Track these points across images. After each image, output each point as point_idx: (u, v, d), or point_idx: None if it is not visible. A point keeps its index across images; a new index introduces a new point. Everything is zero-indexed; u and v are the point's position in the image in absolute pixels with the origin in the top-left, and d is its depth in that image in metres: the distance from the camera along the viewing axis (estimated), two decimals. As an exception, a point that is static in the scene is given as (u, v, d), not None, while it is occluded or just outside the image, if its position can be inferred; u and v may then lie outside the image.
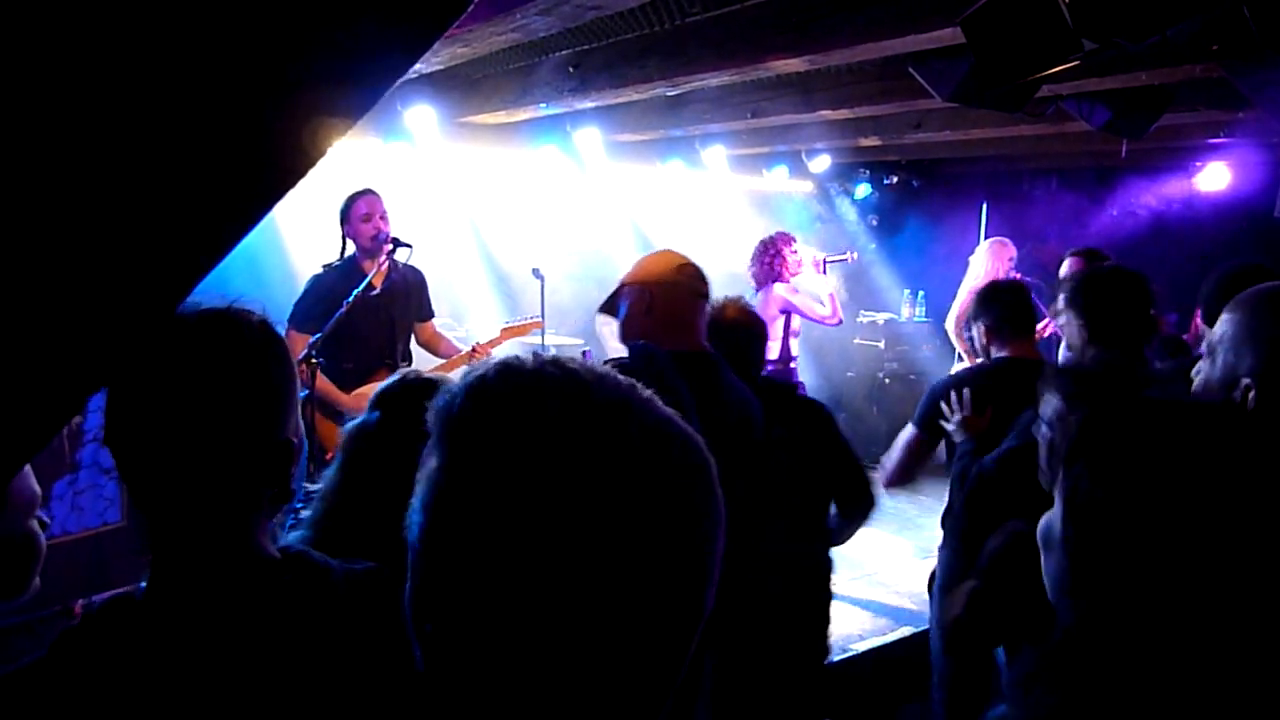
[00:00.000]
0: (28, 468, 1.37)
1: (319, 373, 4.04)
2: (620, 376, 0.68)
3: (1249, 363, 1.35)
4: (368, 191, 4.32)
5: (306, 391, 4.19)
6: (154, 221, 0.68)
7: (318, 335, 3.93)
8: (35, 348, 0.68)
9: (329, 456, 4.27)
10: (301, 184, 0.86)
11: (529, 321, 4.77)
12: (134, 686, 0.97)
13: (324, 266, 4.34)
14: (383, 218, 4.27)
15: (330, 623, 1.06)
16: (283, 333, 1.18)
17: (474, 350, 4.48)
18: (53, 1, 0.58)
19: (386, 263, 4.26)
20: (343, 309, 3.97)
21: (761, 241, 5.89)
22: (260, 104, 0.68)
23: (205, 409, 1.03)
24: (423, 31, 0.74)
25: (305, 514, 1.62)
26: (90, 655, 0.99)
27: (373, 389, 4.14)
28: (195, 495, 1.04)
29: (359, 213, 4.24)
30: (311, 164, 0.74)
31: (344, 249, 4.35)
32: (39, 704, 0.96)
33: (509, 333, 4.65)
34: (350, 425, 1.71)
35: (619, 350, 8.55)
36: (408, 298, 4.46)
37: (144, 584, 1.06)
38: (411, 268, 4.49)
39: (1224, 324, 1.41)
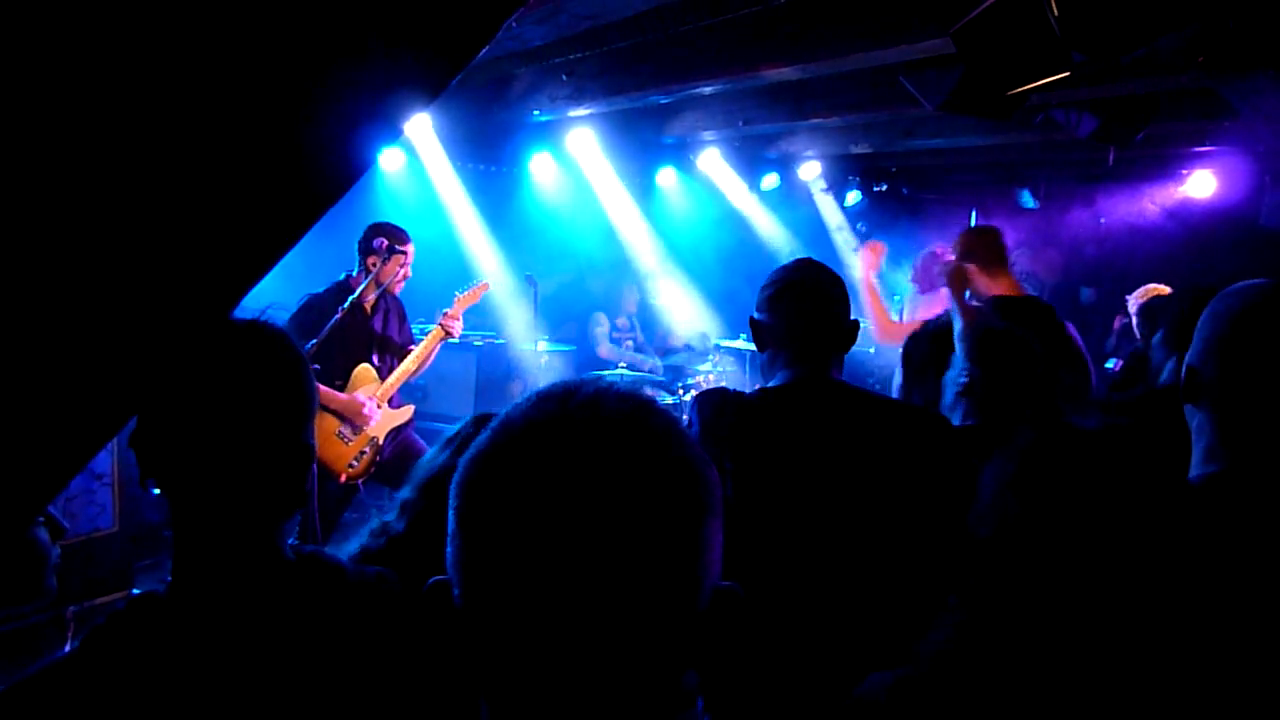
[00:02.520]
0: None
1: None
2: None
3: (1192, 348, 1.49)
4: (408, 241, 4.41)
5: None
6: (206, 239, 0.70)
7: (312, 341, 3.95)
8: (93, 357, 0.70)
9: (343, 479, 4.31)
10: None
11: (477, 287, 4.82)
12: (160, 682, 1.00)
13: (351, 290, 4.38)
14: (406, 264, 4.39)
15: (343, 622, 1.10)
16: None
17: (442, 324, 4.51)
18: (108, 33, 0.60)
19: (379, 289, 4.33)
20: (338, 314, 4.00)
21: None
22: (306, 117, 0.70)
23: (248, 412, 1.08)
24: (467, 41, 0.76)
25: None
26: (118, 652, 1.02)
27: (362, 390, 4.24)
28: (228, 495, 1.09)
29: (396, 258, 4.33)
30: (356, 176, 0.76)
31: (359, 269, 4.40)
32: (70, 699, 0.99)
33: (462, 302, 4.69)
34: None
35: (611, 351, 8.58)
36: (388, 322, 4.55)
37: (140, 590, 1.09)
38: (394, 298, 4.60)
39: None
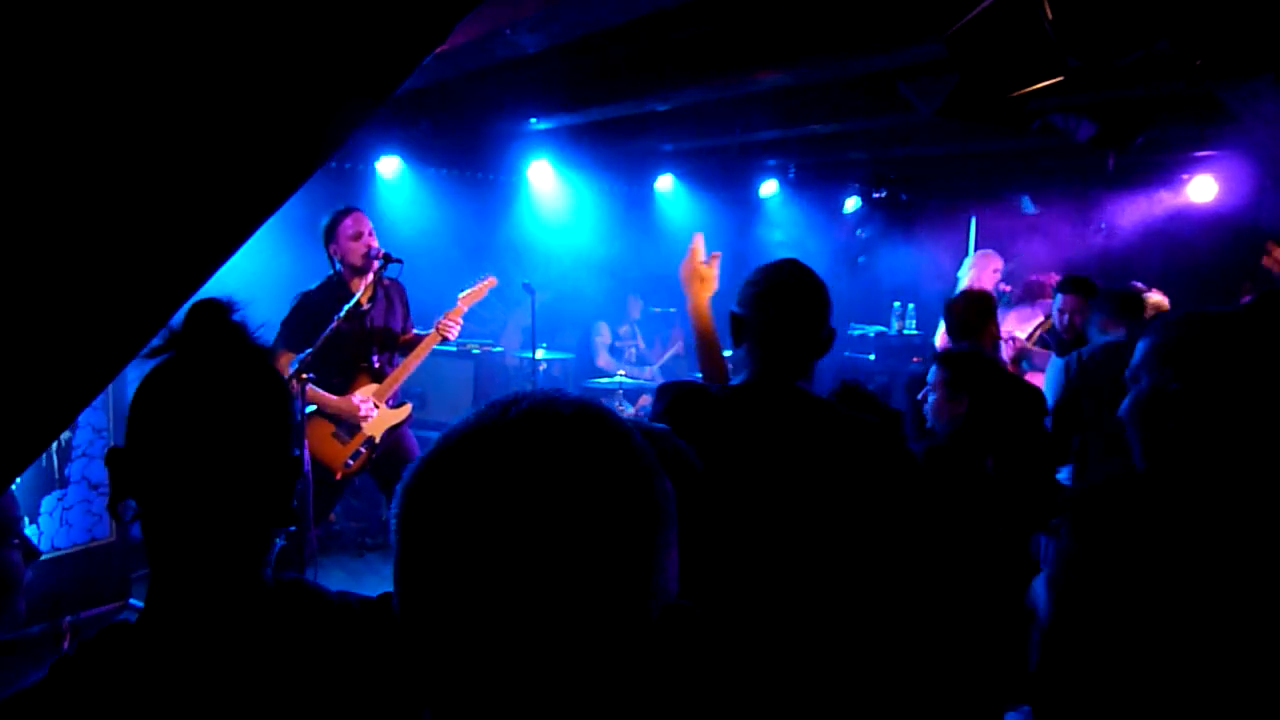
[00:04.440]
0: (3, 499, 1.37)
1: (313, 386, 4.07)
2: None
3: (1170, 376, 1.53)
4: (352, 209, 4.34)
5: (314, 408, 4.21)
6: (165, 220, 0.68)
7: (307, 351, 3.94)
8: (44, 341, 0.68)
9: (339, 477, 4.31)
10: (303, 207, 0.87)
11: (482, 283, 4.78)
12: (129, 714, 0.97)
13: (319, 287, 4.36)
14: (370, 234, 4.30)
15: (325, 651, 1.06)
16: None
17: (439, 327, 4.49)
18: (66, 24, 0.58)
19: (374, 279, 4.28)
20: (333, 324, 3.98)
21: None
22: (274, 92, 0.69)
23: (236, 431, 1.05)
24: (441, 17, 0.74)
25: None
26: (86, 682, 0.99)
27: (363, 394, 4.24)
28: (212, 519, 1.05)
29: (347, 231, 4.26)
30: (328, 153, 0.74)
31: (333, 266, 4.36)
32: None
33: (466, 300, 4.66)
34: None
35: (610, 361, 8.65)
36: (392, 311, 4.50)
37: (136, 608, 1.07)
38: (395, 282, 4.54)
39: (1140, 348, 1.62)
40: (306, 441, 4.16)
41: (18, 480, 4.36)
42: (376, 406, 4.38)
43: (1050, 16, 2.35)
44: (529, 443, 0.66)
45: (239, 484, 1.06)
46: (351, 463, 4.35)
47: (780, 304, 2.04)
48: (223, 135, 0.68)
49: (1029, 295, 6.54)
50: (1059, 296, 4.80)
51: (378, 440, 4.41)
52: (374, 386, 4.41)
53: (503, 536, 0.62)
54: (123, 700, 0.98)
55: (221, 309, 1.07)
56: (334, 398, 4.27)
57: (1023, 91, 2.75)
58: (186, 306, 1.00)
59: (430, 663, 0.66)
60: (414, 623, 0.67)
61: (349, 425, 4.33)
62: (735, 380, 2.12)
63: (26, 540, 1.52)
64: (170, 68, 0.63)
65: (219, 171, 0.69)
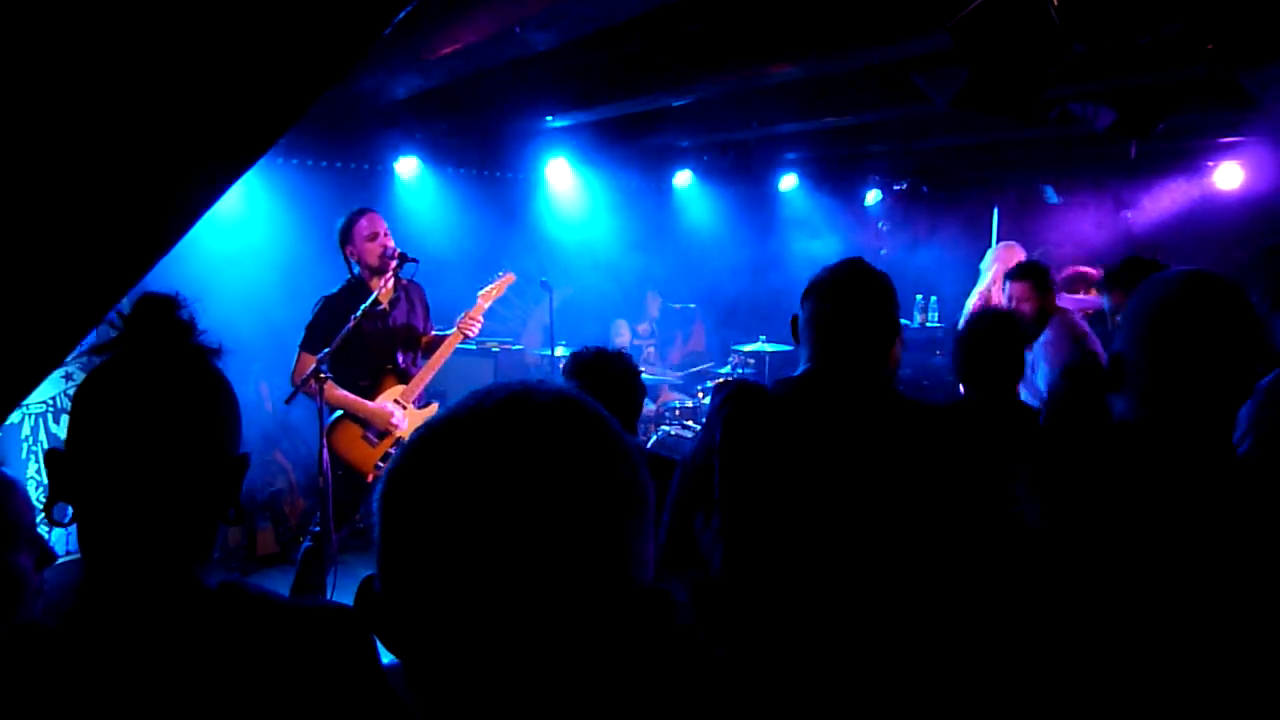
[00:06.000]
0: (12, 500, 1.39)
1: (333, 386, 4.09)
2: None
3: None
4: (366, 210, 4.38)
5: (340, 413, 4.24)
6: (111, 200, 0.69)
7: (326, 350, 3.97)
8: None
9: (370, 479, 4.34)
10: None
11: (501, 280, 4.81)
12: (22, 715, 0.95)
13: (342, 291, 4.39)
14: (386, 234, 4.33)
15: (255, 656, 1.05)
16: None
17: (460, 325, 4.52)
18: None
19: (393, 279, 4.31)
20: (350, 324, 4.01)
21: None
22: (211, 80, 0.69)
23: (167, 430, 1.06)
24: (376, 15, 0.74)
25: None
26: None
27: (390, 395, 4.27)
28: (143, 519, 1.06)
29: (363, 232, 4.29)
30: (265, 145, 0.74)
31: (350, 269, 4.40)
32: None
33: (486, 297, 4.69)
34: None
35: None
36: (413, 311, 4.53)
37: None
38: (413, 283, 4.57)
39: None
40: (335, 443, 4.20)
41: (38, 479, 4.37)
42: (403, 407, 4.41)
43: (1055, 1, 2.33)
44: (503, 430, 0.67)
45: (170, 484, 1.06)
46: (382, 464, 4.38)
47: (828, 302, 2.06)
48: (160, 121, 0.69)
49: (1067, 288, 6.18)
50: (1107, 295, 4.17)
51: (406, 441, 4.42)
52: (400, 387, 4.44)
53: (476, 520, 0.64)
54: (18, 701, 0.96)
55: (167, 304, 1.08)
56: (366, 403, 4.31)
57: (1032, 79, 2.72)
58: (132, 299, 1.01)
59: (409, 644, 0.68)
60: (394, 605, 0.68)
61: (378, 427, 4.37)
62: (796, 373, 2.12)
63: (41, 542, 1.50)
64: (101, 54, 0.64)
65: (158, 156, 0.70)
